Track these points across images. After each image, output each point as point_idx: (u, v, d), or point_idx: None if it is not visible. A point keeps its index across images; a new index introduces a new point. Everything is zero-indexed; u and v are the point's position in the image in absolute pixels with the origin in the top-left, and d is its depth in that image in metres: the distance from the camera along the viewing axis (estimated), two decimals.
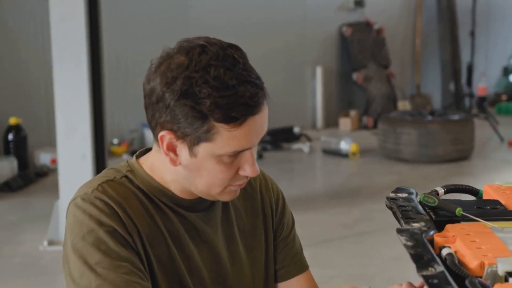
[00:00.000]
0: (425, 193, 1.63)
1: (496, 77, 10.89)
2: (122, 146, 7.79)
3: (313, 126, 9.34)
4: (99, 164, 5.19)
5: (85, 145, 5.08)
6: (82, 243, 1.58)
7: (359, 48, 9.55)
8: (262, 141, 8.00)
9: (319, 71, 9.33)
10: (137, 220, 1.63)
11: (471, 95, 9.53)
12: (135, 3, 7.85)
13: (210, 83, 1.51)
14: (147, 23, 7.88)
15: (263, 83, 1.57)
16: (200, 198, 1.71)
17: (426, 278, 1.26)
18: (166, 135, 1.59)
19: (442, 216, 1.57)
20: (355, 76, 9.47)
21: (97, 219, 1.59)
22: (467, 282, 1.26)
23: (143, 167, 1.71)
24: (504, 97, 10.62)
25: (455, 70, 10.03)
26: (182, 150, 1.59)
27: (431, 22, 10.24)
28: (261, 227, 1.83)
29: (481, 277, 1.32)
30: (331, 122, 9.42)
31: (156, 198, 1.68)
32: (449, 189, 1.77)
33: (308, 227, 5.30)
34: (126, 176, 1.69)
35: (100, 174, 1.70)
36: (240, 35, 8.50)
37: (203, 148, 1.57)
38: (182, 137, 1.57)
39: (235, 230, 1.78)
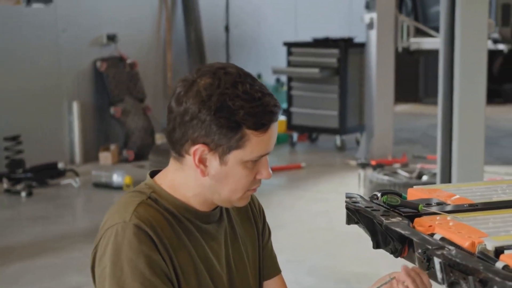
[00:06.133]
0: (387, 195, 1.92)
1: None
2: None
3: (72, 161, 9.32)
4: None
5: None
6: (121, 272, 1.73)
7: (115, 83, 9.71)
8: (26, 179, 7.69)
9: (75, 106, 9.35)
10: (168, 241, 1.80)
11: None
12: None
13: (241, 97, 1.77)
14: None
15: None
16: (214, 210, 1.90)
17: (451, 257, 1.55)
18: (199, 148, 1.80)
19: (405, 213, 1.87)
20: (113, 110, 9.61)
21: (136, 249, 1.75)
22: (477, 253, 1.57)
23: (163, 187, 1.87)
24: None
25: None
26: (213, 161, 1.81)
27: (181, 56, 10.65)
28: (253, 233, 2.07)
29: None
30: (90, 156, 9.45)
31: (181, 215, 1.85)
32: (383, 193, 2.08)
33: None
34: (150, 197, 1.85)
35: (127, 197, 1.84)
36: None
37: (233, 156, 1.80)
38: (214, 148, 1.79)
39: (238, 237, 2.00)
